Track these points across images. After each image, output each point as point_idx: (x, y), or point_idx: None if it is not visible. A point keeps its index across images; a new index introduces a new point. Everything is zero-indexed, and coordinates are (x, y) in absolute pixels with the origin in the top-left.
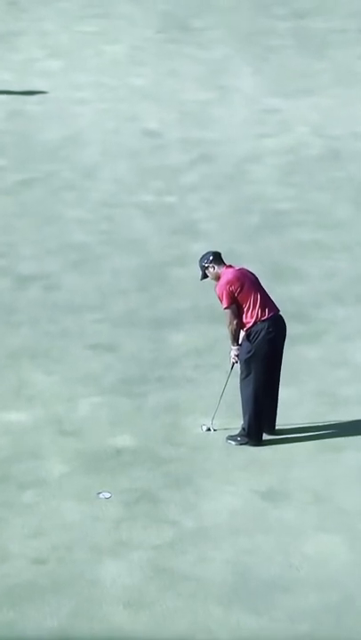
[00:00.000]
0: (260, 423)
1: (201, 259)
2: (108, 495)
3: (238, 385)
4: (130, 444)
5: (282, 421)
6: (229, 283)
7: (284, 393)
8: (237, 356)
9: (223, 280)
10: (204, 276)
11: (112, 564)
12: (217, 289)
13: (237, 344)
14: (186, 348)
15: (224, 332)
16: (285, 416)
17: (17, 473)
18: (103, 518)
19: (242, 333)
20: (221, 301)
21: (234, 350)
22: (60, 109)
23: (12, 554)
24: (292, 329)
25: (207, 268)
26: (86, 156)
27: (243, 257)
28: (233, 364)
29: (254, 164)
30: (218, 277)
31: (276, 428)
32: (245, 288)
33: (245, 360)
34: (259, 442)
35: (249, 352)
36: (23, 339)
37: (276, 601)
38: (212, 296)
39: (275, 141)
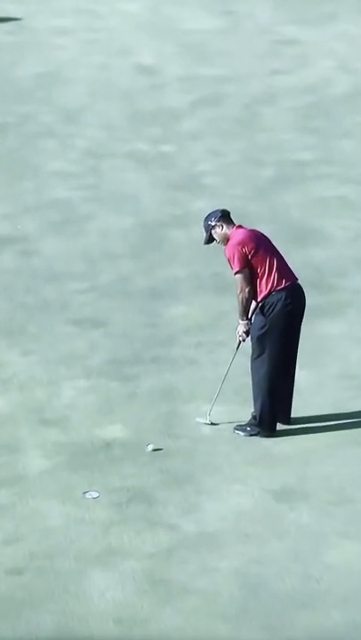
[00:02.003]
0: (275, 411)
1: (207, 217)
2: (95, 495)
3: (249, 366)
4: (121, 436)
5: (299, 409)
6: (242, 243)
7: (302, 376)
8: (246, 332)
9: (234, 240)
10: (210, 238)
11: (100, 574)
12: (226, 250)
13: (247, 318)
14: (186, 324)
15: (231, 303)
16: (303, 403)
17: None
18: (90, 522)
19: (253, 305)
20: (232, 265)
21: (242, 325)
22: (37, 40)
23: None
24: (311, 300)
25: (214, 227)
26: (69, 97)
27: (254, 217)
28: (240, 341)
29: (268, 107)
30: (226, 240)
31: (293, 416)
32: (260, 251)
33: (258, 337)
34: (272, 432)
35: (263, 327)
36: None
37: (292, 618)
38: (217, 262)
39: (292, 79)
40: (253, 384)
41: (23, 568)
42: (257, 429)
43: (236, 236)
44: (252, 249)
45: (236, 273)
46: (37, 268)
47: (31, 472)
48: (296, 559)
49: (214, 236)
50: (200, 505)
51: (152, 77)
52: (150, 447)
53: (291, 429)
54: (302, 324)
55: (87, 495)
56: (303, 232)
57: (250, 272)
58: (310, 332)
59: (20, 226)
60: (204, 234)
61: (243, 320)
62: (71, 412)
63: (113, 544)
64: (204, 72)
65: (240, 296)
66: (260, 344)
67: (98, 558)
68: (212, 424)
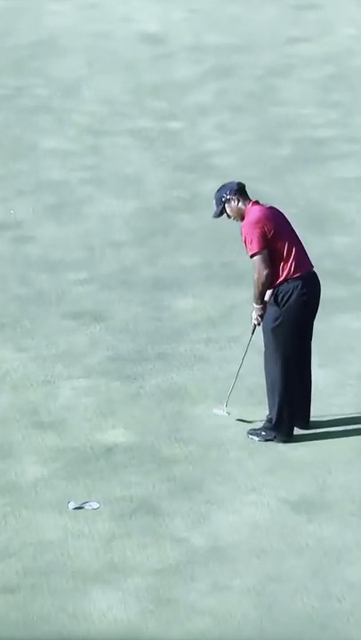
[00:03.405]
0: (292, 412)
1: (220, 189)
2: (95, 505)
3: (263, 363)
4: (123, 440)
5: (318, 411)
6: (261, 221)
7: (321, 375)
8: (261, 316)
9: (253, 217)
10: (222, 211)
11: (101, 593)
12: (243, 229)
13: (262, 302)
14: (194, 317)
15: (243, 295)
16: (322, 405)
17: None
18: (90, 535)
19: (268, 293)
20: (249, 245)
21: (257, 310)
22: (32, 6)
23: None
24: (331, 292)
25: (228, 201)
26: (66, 69)
27: (269, 199)
28: (255, 325)
29: (284, 78)
30: (241, 216)
31: (311, 419)
32: (280, 232)
33: (272, 329)
34: (289, 437)
35: (277, 319)
36: None
37: None
38: (229, 250)
39: (311, 48)
40: (268, 383)
41: (16, 586)
42: (273, 434)
43: (254, 212)
44: (271, 229)
45: (254, 255)
46: (32, 257)
47: (25, 480)
48: (315, 576)
49: (227, 210)
50: (210, 516)
51: (157, 47)
52: (220, 412)
53: (309, 434)
54: (321, 318)
55: (86, 506)
56: (322, 216)
57: (269, 254)
58: (330, 326)
59: (13, 210)
60: (215, 207)
61: (258, 304)
62: (69, 415)
63: (115, 559)
64: (215, 40)
65: (258, 281)
66: (274, 338)
67: (98, 575)
68: (228, 414)
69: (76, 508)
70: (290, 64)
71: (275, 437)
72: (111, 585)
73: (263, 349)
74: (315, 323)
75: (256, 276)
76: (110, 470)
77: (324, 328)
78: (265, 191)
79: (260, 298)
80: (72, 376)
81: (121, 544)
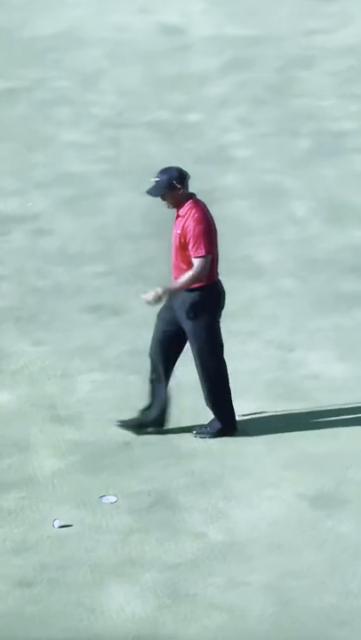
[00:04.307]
0: (231, 404)
1: (169, 175)
2: (113, 499)
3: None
4: (141, 434)
5: (337, 406)
6: (210, 222)
7: (340, 369)
8: (159, 298)
9: (202, 216)
10: (164, 196)
11: (118, 587)
12: (192, 226)
13: (171, 294)
14: None
15: (262, 289)
16: (342, 399)
17: None
18: (107, 529)
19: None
20: (195, 244)
21: (162, 293)
22: None
23: None
24: (349, 285)
25: (175, 189)
26: (84, 61)
27: (289, 192)
28: (149, 301)
29: (304, 70)
30: (178, 206)
31: (331, 414)
32: (215, 233)
33: (206, 327)
34: (235, 428)
35: (210, 317)
36: (4, 297)
37: (328, 637)
38: (249, 244)
39: (332, 39)
40: (205, 379)
41: (33, 580)
42: (219, 426)
43: (200, 210)
44: (215, 230)
45: (201, 256)
46: (50, 250)
47: (42, 474)
48: (334, 572)
49: (169, 197)
50: (228, 512)
51: (176, 38)
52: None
53: (328, 428)
54: (341, 311)
55: (104, 500)
56: (342, 210)
57: None
58: (349, 320)
59: (31, 203)
60: (159, 189)
61: (166, 293)
62: (86, 408)
63: (132, 554)
64: (234, 32)
65: (193, 278)
66: (208, 335)
67: (116, 570)
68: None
69: (61, 527)
70: (310, 56)
71: (222, 430)
72: (128, 579)
73: (195, 348)
74: (334, 317)
75: (193, 274)
76: (128, 464)
77: (344, 322)
78: (285, 184)
79: (177, 290)
80: (89, 370)
81: (138, 538)
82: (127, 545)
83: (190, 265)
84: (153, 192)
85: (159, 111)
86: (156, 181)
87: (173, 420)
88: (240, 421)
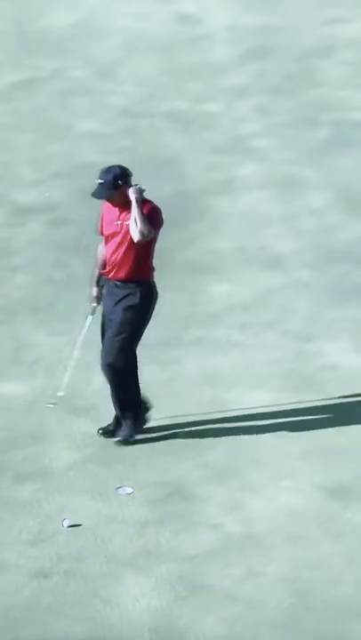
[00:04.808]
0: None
1: (113, 172)
2: (129, 491)
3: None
4: (158, 426)
5: (355, 397)
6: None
7: (357, 361)
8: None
9: (155, 206)
10: (111, 197)
11: (134, 579)
12: (150, 209)
13: (149, 223)
14: (230, 302)
15: (279, 280)
16: (360, 390)
17: (13, 461)
18: (123, 520)
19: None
20: (152, 220)
21: (136, 191)
22: None
23: (7, 565)
24: None
25: (121, 187)
26: (102, 50)
27: (307, 183)
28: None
29: (324, 60)
30: (125, 203)
31: (347, 406)
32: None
33: (136, 320)
34: (142, 428)
35: (144, 311)
36: (21, 288)
37: (346, 629)
38: (266, 234)
39: (352, 28)
40: (116, 371)
41: (49, 571)
42: (132, 427)
43: (151, 203)
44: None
45: (152, 231)
46: (66, 240)
47: (58, 465)
48: (351, 563)
49: (116, 197)
50: (245, 503)
51: (194, 27)
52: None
53: (345, 419)
54: (358, 303)
55: (120, 491)
56: (360, 200)
57: (149, 245)
58: None
59: (48, 193)
60: (106, 190)
61: (138, 203)
62: (102, 400)
63: (148, 545)
64: (252, 21)
65: (146, 223)
66: (134, 330)
67: (132, 561)
68: (55, 405)
69: (70, 526)
70: (329, 45)
71: (136, 430)
72: (144, 571)
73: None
74: (352, 307)
75: (149, 229)
76: (144, 455)
77: (360, 314)
78: (303, 174)
79: (139, 213)
80: None
81: (155, 530)
82: (143, 536)
83: (139, 261)
84: (100, 194)
85: (177, 101)
86: (101, 183)
87: (189, 412)
88: (256, 412)
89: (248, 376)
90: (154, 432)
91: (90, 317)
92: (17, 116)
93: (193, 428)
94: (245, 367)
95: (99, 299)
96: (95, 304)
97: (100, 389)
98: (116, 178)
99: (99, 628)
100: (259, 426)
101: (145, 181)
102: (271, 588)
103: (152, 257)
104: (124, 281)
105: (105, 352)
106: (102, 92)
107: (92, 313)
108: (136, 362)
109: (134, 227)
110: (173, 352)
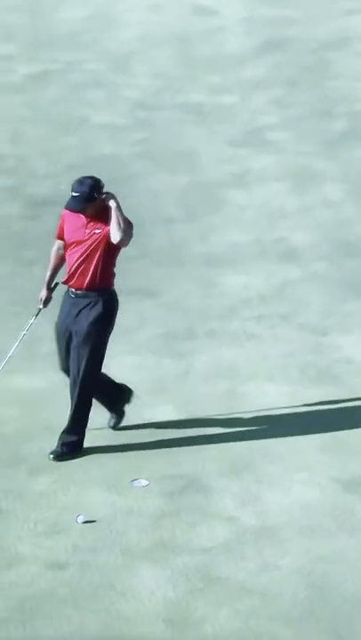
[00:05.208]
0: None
1: (89, 185)
2: (144, 483)
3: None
4: (173, 418)
5: None
6: None
7: None
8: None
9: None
10: (86, 209)
11: (149, 571)
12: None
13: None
14: (246, 294)
15: (295, 272)
16: None
17: (28, 454)
18: (139, 512)
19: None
20: (126, 225)
21: (114, 201)
22: None
23: (22, 557)
24: None
25: (97, 199)
26: (118, 42)
27: (323, 175)
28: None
29: (340, 51)
30: (97, 214)
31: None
32: None
33: (102, 328)
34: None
35: (110, 319)
36: (36, 280)
37: None
38: (282, 227)
39: None
40: (87, 384)
41: (65, 563)
42: (74, 443)
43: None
44: None
45: (132, 235)
46: None
47: (74, 457)
48: None
49: (90, 209)
50: (261, 495)
51: (210, 19)
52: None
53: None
54: None
55: (135, 483)
56: None
57: (114, 254)
58: None
59: (64, 186)
60: (82, 203)
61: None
62: None
63: (164, 537)
64: (269, 13)
65: (128, 226)
66: (101, 335)
67: (147, 553)
68: None
69: (85, 522)
70: (346, 37)
71: (75, 446)
72: (160, 563)
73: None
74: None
75: (129, 234)
76: (159, 448)
77: None
78: (319, 166)
79: (120, 214)
80: (121, 353)
81: (170, 522)
82: (158, 528)
83: (105, 269)
84: (74, 206)
85: (193, 93)
86: (77, 196)
87: (204, 404)
88: (271, 404)
89: (263, 369)
90: (169, 425)
91: (33, 319)
92: (32, 109)
93: (208, 421)
94: (261, 360)
95: (47, 302)
96: (42, 307)
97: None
98: (91, 190)
99: (114, 620)
100: (274, 418)
101: (161, 173)
102: (286, 580)
103: (115, 265)
104: (88, 289)
105: (75, 365)
106: (117, 84)
107: (37, 315)
108: (101, 367)
109: (117, 230)
110: (189, 344)
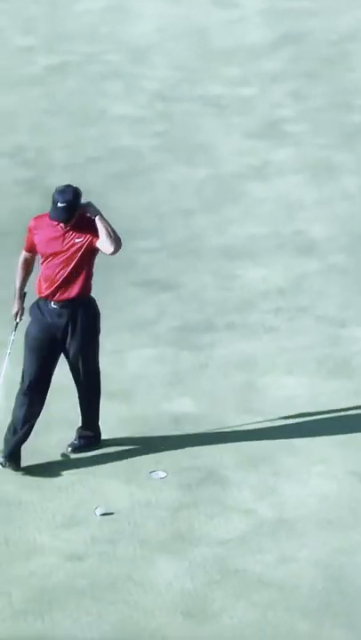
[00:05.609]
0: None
1: (73, 195)
2: (162, 475)
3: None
4: (191, 410)
5: None
6: None
7: None
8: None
9: None
10: (71, 217)
11: (167, 562)
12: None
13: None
14: (264, 287)
15: (313, 265)
16: None
17: (46, 446)
18: (157, 504)
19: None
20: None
21: (99, 215)
22: None
23: (41, 548)
24: None
25: (78, 209)
26: (136, 34)
27: (341, 168)
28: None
29: (359, 44)
30: (74, 223)
31: None
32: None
33: (94, 336)
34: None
35: (97, 326)
36: None
37: None
38: (300, 219)
39: None
40: (92, 389)
41: (83, 554)
42: (92, 434)
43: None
44: None
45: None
46: None
47: (91, 449)
48: None
49: (73, 217)
50: (278, 488)
51: (229, 11)
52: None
53: None
54: None
55: (153, 475)
56: None
57: (91, 261)
58: None
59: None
60: (68, 213)
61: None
62: (136, 384)
63: (182, 529)
64: (288, 5)
65: (114, 234)
66: (95, 343)
67: (165, 545)
68: None
69: (103, 514)
70: None
71: (95, 440)
72: (178, 555)
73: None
74: None
75: (120, 242)
76: (178, 440)
77: None
78: (337, 159)
79: (107, 225)
80: (139, 345)
81: (188, 514)
82: (176, 520)
83: (89, 277)
84: (61, 216)
85: (211, 85)
86: (64, 206)
87: (223, 397)
88: (289, 397)
89: (282, 361)
90: (187, 417)
91: (13, 335)
92: (51, 101)
93: (226, 413)
94: (279, 352)
95: (22, 314)
96: (19, 320)
97: (134, 374)
98: (75, 198)
99: (132, 611)
100: (292, 411)
101: (179, 165)
102: (304, 573)
103: (90, 276)
104: (75, 299)
105: (77, 371)
106: (136, 76)
107: (15, 329)
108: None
109: (109, 241)
110: (207, 337)
